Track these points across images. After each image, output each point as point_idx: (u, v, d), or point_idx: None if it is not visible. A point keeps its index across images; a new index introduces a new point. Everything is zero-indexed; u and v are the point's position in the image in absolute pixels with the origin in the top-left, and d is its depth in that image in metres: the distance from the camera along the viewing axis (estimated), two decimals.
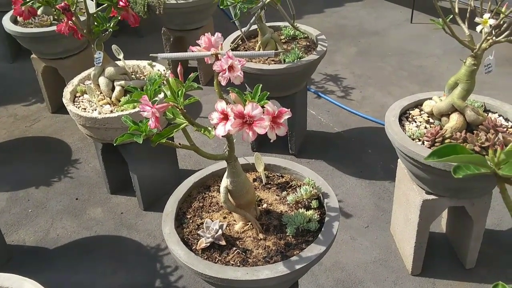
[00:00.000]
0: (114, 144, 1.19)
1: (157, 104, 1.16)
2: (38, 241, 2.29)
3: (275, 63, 2.37)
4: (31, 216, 2.43)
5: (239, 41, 2.61)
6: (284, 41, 2.62)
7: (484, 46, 1.67)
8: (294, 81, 2.46)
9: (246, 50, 2.55)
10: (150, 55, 1.45)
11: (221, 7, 2.26)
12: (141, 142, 1.17)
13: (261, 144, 2.80)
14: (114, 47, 2.29)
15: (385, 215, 2.32)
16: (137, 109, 2.04)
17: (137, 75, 2.39)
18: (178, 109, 1.20)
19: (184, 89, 1.18)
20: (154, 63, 2.41)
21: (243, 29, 2.54)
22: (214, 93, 1.23)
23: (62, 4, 1.96)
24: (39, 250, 2.24)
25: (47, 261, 2.19)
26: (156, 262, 2.15)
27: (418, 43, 3.92)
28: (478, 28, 1.64)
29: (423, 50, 3.80)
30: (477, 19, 1.64)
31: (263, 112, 1.13)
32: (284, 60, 2.35)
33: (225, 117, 1.13)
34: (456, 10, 1.75)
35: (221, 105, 1.13)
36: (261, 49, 2.48)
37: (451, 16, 1.71)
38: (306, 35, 2.66)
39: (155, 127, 1.15)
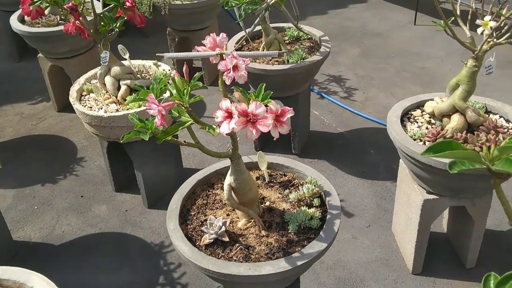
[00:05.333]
0: (121, 141, 1.22)
1: (163, 102, 1.18)
2: (43, 237, 2.32)
3: (278, 64, 2.40)
4: (37, 213, 2.47)
5: (244, 41, 2.64)
6: (287, 42, 2.64)
7: (485, 48, 1.69)
8: (298, 81, 2.49)
9: (250, 51, 2.58)
10: (157, 54, 1.48)
11: (225, 8, 2.29)
12: (147, 139, 1.20)
13: (265, 143, 2.82)
14: (120, 47, 2.32)
15: (387, 214, 2.34)
16: (142, 108, 2.07)
17: (143, 75, 2.42)
18: (183, 107, 1.23)
19: (189, 88, 1.21)
20: (159, 63, 2.44)
21: (247, 30, 2.57)
22: (218, 93, 1.27)
23: (70, 4, 1.99)
24: (45, 246, 2.27)
25: (52, 257, 2.22)
26: (159, 259, 2.17)
27: (421, 44, 3.94)
28: (479, 30, 1.66)
29: (426, 52, 3.82)
30: (478, 21, 1.66)
31: (267, 111, 1.15)
32: (288, 61, 2.38)
33: (229, 115, 1.15)
34: (458, 12, 1.77)
35: (225, 103, 1.15)
36: (265, 49, 2.51)
37: (453, 18, 1.74)
38: (309, 36, 2.68)
39: (161, 124, 1.17)
